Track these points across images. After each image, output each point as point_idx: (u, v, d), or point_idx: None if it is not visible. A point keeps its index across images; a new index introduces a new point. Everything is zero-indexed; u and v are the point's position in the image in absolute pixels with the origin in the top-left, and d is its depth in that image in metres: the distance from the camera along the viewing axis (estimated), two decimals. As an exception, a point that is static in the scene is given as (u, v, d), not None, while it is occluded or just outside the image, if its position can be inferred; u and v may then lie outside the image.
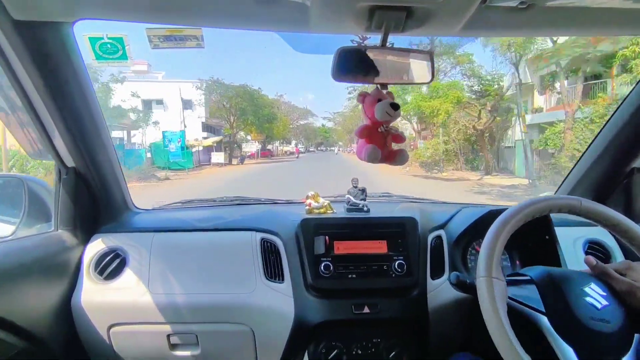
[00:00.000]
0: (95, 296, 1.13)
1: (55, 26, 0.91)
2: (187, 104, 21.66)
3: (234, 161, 21.57)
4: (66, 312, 1.11)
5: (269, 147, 35.55)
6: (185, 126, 20.04)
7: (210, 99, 21.93)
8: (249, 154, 27.23)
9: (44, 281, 1.05)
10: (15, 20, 0.83)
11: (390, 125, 0.94)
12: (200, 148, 21.01)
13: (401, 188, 7.49)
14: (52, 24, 0.89)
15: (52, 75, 0.96)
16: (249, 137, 26.55)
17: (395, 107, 0.90)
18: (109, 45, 1.10)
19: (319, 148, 60.36)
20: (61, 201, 1.16)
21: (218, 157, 20.56)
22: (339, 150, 51.19)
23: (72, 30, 0.95)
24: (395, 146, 0.96)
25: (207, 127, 23.71)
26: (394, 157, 0.95)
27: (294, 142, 52.76)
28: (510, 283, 0.78)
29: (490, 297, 0.70)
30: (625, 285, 0.73)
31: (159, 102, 21.54)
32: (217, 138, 22.48)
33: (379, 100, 0.91)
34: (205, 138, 22.33)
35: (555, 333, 0.70)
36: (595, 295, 0.73)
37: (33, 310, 1.00)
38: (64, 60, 0.97)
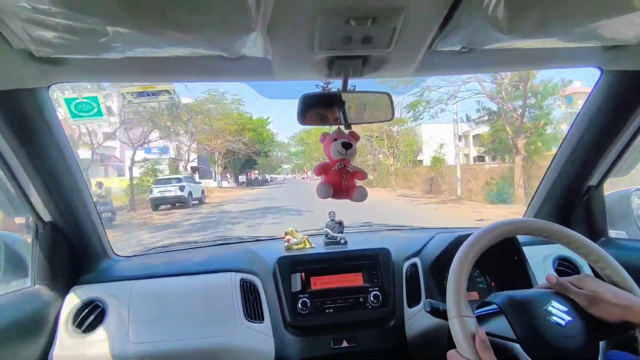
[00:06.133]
0: (73, 351, 1.10)
1: (31, 91, 0.93)
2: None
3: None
4: None
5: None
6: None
7: None
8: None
9: (21, 339, 1.03)
10: None
11: (350, 162, 0.99)
12: None
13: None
14: (28, 90, 0.92)
15: (29, 138, 0.98)
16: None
17: (346, 146, 0.95)
18: (84, 105, 1.15)
19: (251, 180, 30.71)
20: (38, 256, 1.15)
21: None
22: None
23: (47, 93, 0.98)
24: (356, 182, 1.01)
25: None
26: (351, 194, 0.99)
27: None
28: (480, 317, 0.79)
29: (464, 335, 0.71)
30: (585, 298, 0.77)
31: None
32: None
33: (335, 139, 0.97)
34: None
35: (529, 359, 0.71)
36: (558, 313, 0.75)
37: None
38: (41, 123, 1.00)
